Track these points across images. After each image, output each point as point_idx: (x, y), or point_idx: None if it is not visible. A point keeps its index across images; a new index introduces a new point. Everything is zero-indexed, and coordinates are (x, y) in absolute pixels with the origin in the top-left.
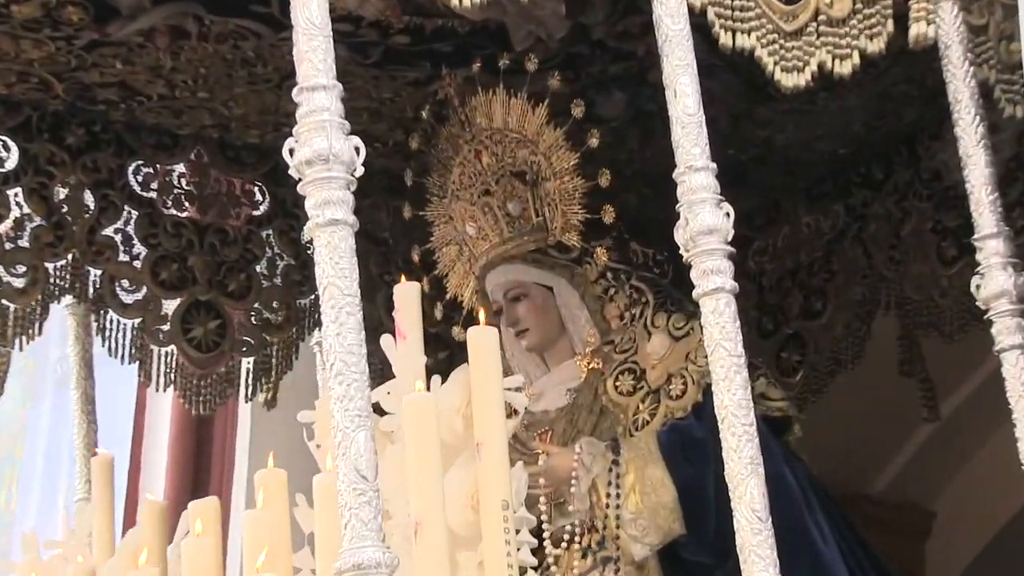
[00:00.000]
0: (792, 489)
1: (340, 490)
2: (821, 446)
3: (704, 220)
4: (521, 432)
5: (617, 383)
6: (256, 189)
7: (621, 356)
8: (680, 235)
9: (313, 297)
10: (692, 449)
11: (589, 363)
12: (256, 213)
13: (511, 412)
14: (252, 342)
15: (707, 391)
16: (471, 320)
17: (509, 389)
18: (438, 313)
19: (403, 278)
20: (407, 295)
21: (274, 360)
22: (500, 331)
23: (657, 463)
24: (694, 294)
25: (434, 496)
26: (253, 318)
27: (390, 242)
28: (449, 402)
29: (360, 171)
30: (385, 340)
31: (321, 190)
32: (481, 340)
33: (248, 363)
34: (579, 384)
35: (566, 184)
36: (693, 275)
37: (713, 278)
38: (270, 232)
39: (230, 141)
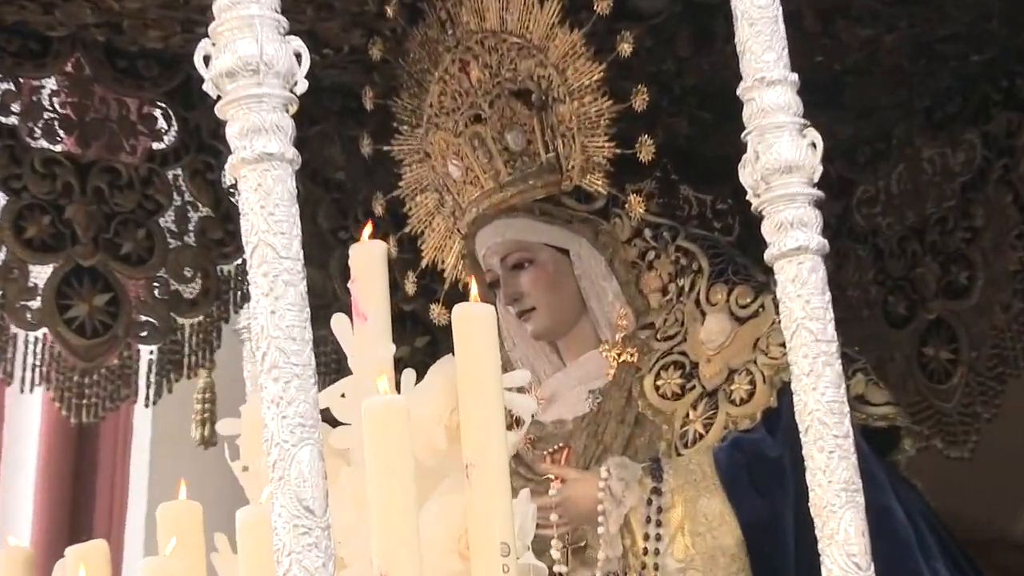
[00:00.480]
0: (902, 528)
1: (276, 529)
2: (946, 474)
3: (780, 153)
4: (526, 451)
5: (659, 382)
6: (158, 113)
7: (664, 345)
8: (747, 174)
9: (240, 262)
10: (763, 473)
11: (620, 355)
12: (159, 146)
13: (513, 422)
14: (156, 324)
15: (783, 392)
16: (456, 296)
17: (510, 389)
18: (410, 286)
19: (363, 235)
20: (368, 260)
21: (187, 349)
22: (496, 311)
23: (714, 493)
24: (767, 256)
25: (405, 537)
26: (157, 291)
27: (346, 187)
28: (427, 408)
29: (303, 87)
30: (338, 321)
31: (249, 113)
32: (471, 322)
33: (150, 353)
34: (606, 384)
35: (587, 107)
36: (765, 230)
37: (793, 233)
38: (178, 172)
39: (121, 46)
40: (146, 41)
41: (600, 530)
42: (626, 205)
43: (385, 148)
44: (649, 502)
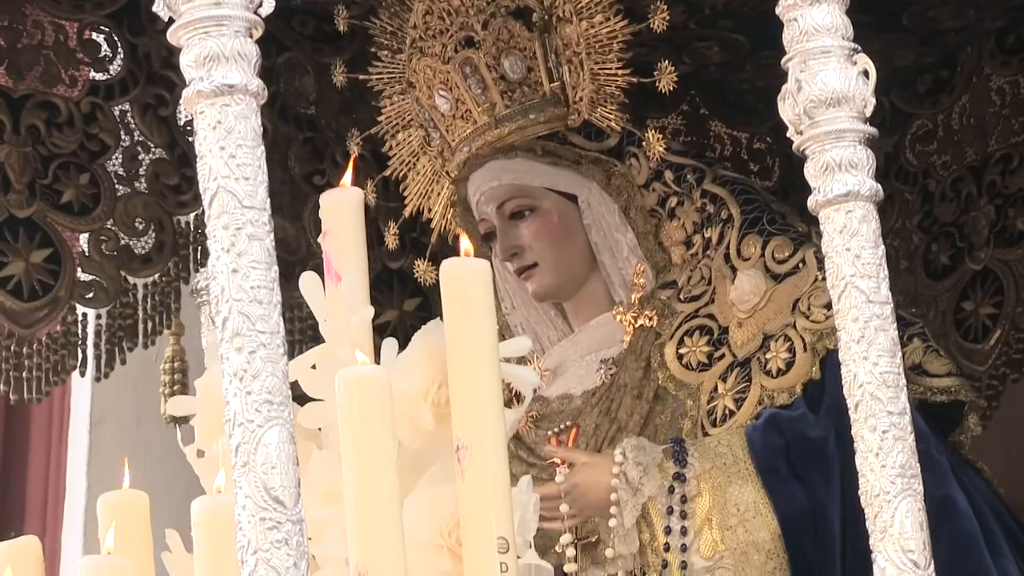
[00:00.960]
0: (966, 520)
1: (240, 523)
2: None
3: (827, 82)
4: (527, 431)
5: (682, 350)
6: (101, 38)
7: (689, 307)
8: (788, 108)
9: (200, 212)
10: (804, 456)
11: (636, 318)
12: (102, 78)
13: (513, 398)
14: (104, 284)
15: (828, 362)
16: (446, 250)
17: (509, 360)
18: (391, 239)
19: (344, 180)
20: (342, 209)
21: (141, 313)
22: (492, 267)
23: (747, 479)
24: (810, 203)
25: (386, 532)
26: (104, 246)
27: (321, 125)
28: (411, 382)
29: (268, 7)
30: (307, 280)
31: (206, 38)
32: (461, 280)
33: (98, 319)
34: (620, 352)
35: (597, 28)
36: (809, 172)
37: (841, 176)
38: (126, 108)
39: None
40: None
41: (613, 522)
42: (643, 143)
43: (362, 77)
44: (671, 490)
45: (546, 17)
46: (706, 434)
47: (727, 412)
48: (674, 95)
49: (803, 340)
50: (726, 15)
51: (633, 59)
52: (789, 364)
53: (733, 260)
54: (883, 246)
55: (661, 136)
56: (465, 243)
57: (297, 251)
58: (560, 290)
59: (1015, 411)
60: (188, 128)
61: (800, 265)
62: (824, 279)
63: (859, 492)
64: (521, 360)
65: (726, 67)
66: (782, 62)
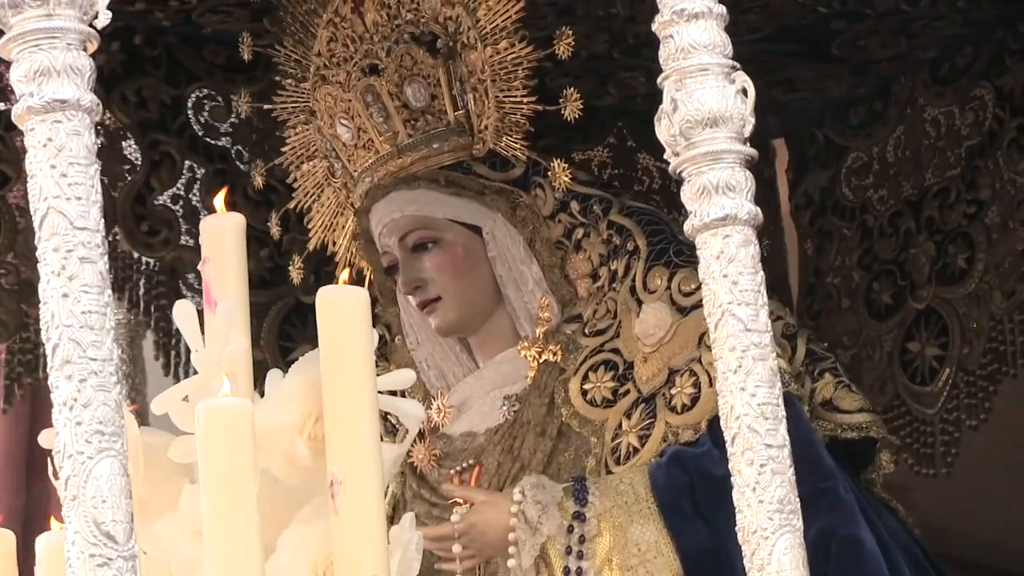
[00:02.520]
0: (871, 559)
1: (70, 560)
2: (948, 494)
3: (703, 102)
4: (431, 470)
5: (587, 386)
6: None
7: (594, 341)
8: (663, 128)
9: (111, 240)
10: (707, 494)
11: (540, 353)
12: (2, 107)
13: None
14: (3, 320)
15: None
16: (321, 276)
17: (387, 393)
18: (295, 272)
19: (220, 206)
20: (224, 235)
21: (43, 348)
22: (399, 301)
23: (649, 518)
24: (686, 227)
25: (246, 567)
26: (4, 280)
27: (231, 155)
28: (286, 415)
29: (104, 19)
30: (181, 309)
31: (36, 51)
32: (338, 308)
33: None
34: (524, 388)
35: (502, 55)
36: (685, 195)
37: (718, 200)
38: None
39: None
40: None
41: (511, 563)
42: (549, 173)
43: (267, 107)
44: (570, 530)
45: (451, 43)
46: (610, 472)
47: (631, 449)
48: (601, 127)
49: (708, 375)
50: (648, 44)
51: (556, 90)
52: (694, 400)
53: (639, 293)
54: (761, 272)
55: (567, 166)
56: (346, 276)
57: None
58: (464, 325)
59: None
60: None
61: None
62: None
63: (736, 529)
64: (425, 397)
65: (653, 97)
66: (658, 81)
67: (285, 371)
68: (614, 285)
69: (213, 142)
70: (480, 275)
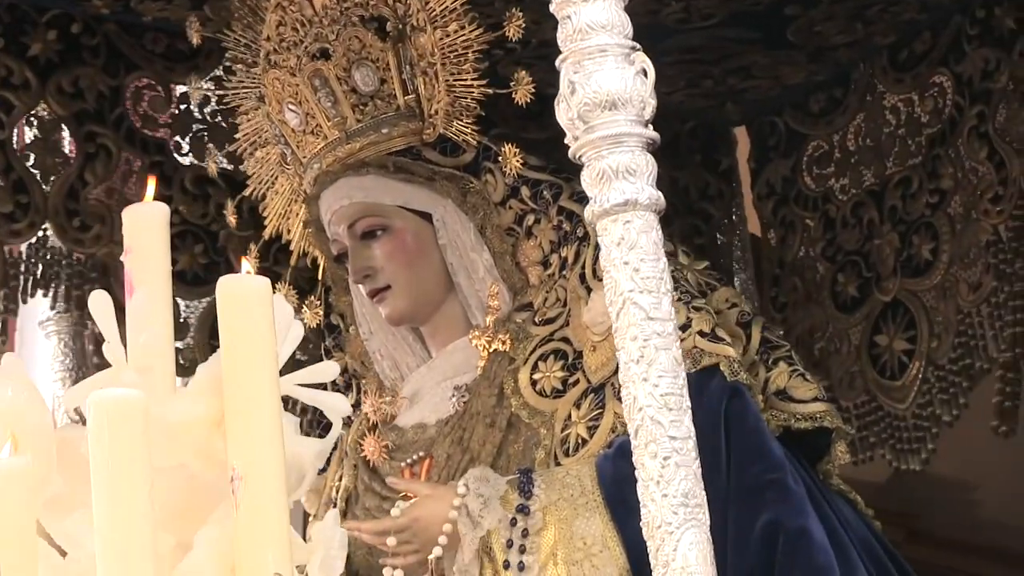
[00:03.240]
0: (820, 553)
1: None
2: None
3: (601, 84)
4: (382, 463)
5: (536, 376)
6: None
7: (544, 330)
8: (562, 112)
9: (34, 241)
10: None
11: (490, 342)
12: None
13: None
14: None
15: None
16: (308, 274)
17: (305, 386)
18: (250, 263)
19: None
20: (146, 225)
21: None
22: (352, 290)
23: (595, 511)
24: (586, 214)
25: (136, 564)
26: None
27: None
28: (200, 408)
29: None
30: (96, 299)
31: None
32: (237, 298)
33: None
34: (474, 379)
35: (452, 38)
36: (585, 180)
37: (618, 185)
38: None
39: None
40: None
41: (437, 551)
42: (500, 158)
43: (219, 93)
44: (513, 523)
45: (400, 26)
46: (558, 464)
47: (580, 441)
48: (554, 114)
49: None
50: None
51: (508, 77)
52: None
53: (589, 280)
54: (664, 259)
55: (518, 150)
56: (246, 264)
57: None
58: (415, 313)
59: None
60: (25, 153)
61: None
62: (680, 298)
63: (641, 524)
64: (379, 387)
65: None
66: (556, 63)
67: None
68: (564, 272)
69: (151, 134)
70: (430, 263)
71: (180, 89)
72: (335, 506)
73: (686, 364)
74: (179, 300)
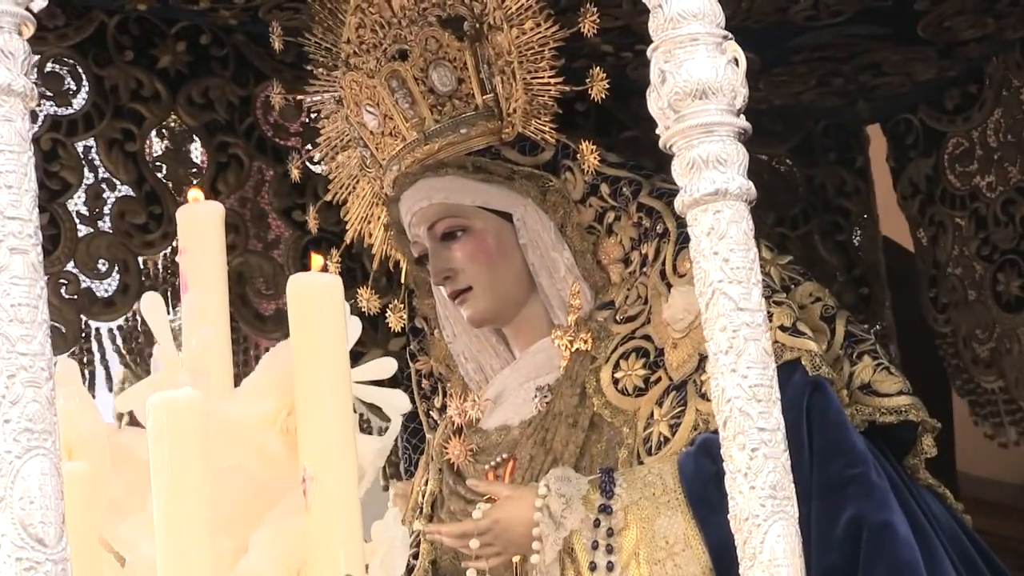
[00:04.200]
0: (904, 549)
1: None
2: None
3: (692, 73)
4: (467, 465)
5: (618, 375)
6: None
7: (625, 328)
8: (652, 101)
9: (168, 251)
10: None
11: (573, 342)
12: (65, 112)
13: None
14: (62, 330)
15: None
16: (389, 279)
17: (365, 383)
18: (333, 267)
19: (196, 196)
20: (201, 225)
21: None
22: (435, 293)
23: (677, 510)
24: (677, 204)
25: (195, 565)
26: (64, 289)
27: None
28: (258, 407)
29: (42, 2)
30: (149, 302)
31: None
32: (309, 296)
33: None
34: (557, 379)
35: (528, 35)
36: (675, 170)
37: (708, 174)
38: (91, 144)
39: None
40: None
41: (534, 559)
42: (578, 156)
43: (299, 97)
44: (597, 523)
45: (477, 25)
46: (641, 463)
47: (662, 439)
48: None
49: None
50: (730, 30)
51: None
52: None
53: (669, 277)
54: (755, 249)
55: (595, 148)
56: (318, 259)
57: (273, 290)
58: (497, 315)
59: None
60: (157, 164)
61: None
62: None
63: (729, 516)
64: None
65: None
66: (648, 52)
67: None
68: (644, 269)
69: (282, 143)
70: (511, 263)
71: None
72: (422, 511)
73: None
74: None
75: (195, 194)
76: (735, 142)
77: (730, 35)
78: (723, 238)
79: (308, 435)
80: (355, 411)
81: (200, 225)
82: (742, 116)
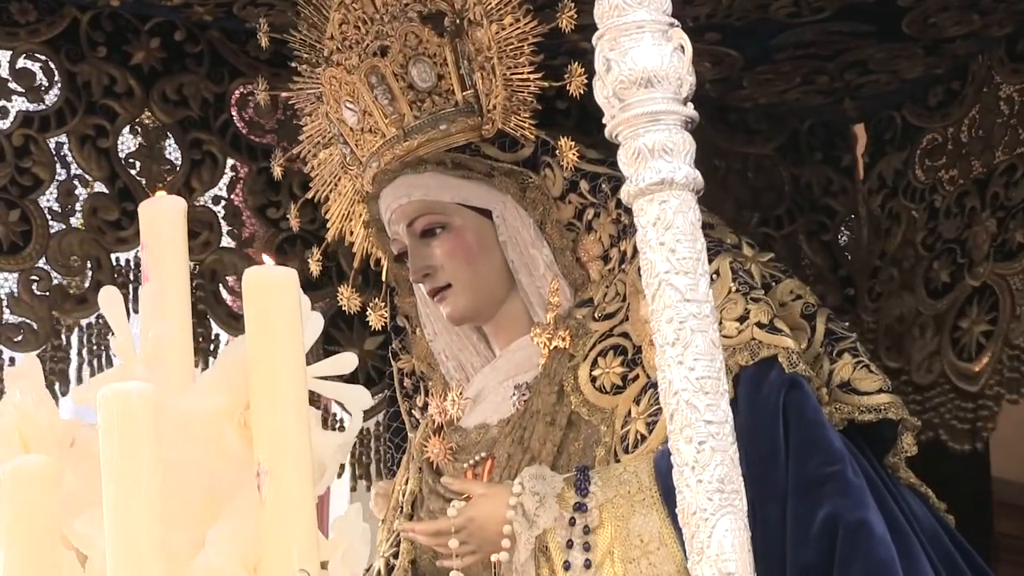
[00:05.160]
0: (880, 547)
1: None
2: None
3: (637, 61)
4: (446, 464)
5: (596, 372)
6: (37, 67)
7: (603, 326)
8: (599, 89)
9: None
10: None
11: (551, 339)
12: (37, 108)
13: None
14: (34, 327)
15: (741, 379)
16: (368, 275)
17: (324, 378)
18: (314, 265)
19: (157, 189)
20: (162, 220)
21: (75, 358)
22: (415, 291)
23: (652, 508)
24: (623, 194)
25: (145, 557)
26: (35, 286)
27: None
28: (215, 402)
29: None
30: (106, 295)
31: None
32: (263, 290)
33: None
34: (535, 377)
35: (507, 31)
36: (621, 160)
37: (654, 164)
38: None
39: None
40: None
41: (504, 556)
42: (557, 152)
43: (284, 94)
44: (572, 521)
45: (457, 21)
46: (618, 461)
47: (639, 437)
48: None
49: None
50: (711, 28)
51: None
52: None
53: None
54: (702, 239)
55: (575, 144)
56: (268, 258)
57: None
58: (477, 312)
59: None
60: (130, 160)
61: (714, 276)
62: (738, 289)
63: (676, 510)
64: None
65: (722, 84)
66: (592, 40)
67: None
68: (623, 266)
69: (258, 140)
70: (491, 260)
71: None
72: (402, 510)
73: (744, 356)
74: None
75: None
76: (682, 131)
77: (676, 22)
78: (669, 228)
79: (262, 429)
80: (321, 406)
81: (161, 220)
82: (690, 104)
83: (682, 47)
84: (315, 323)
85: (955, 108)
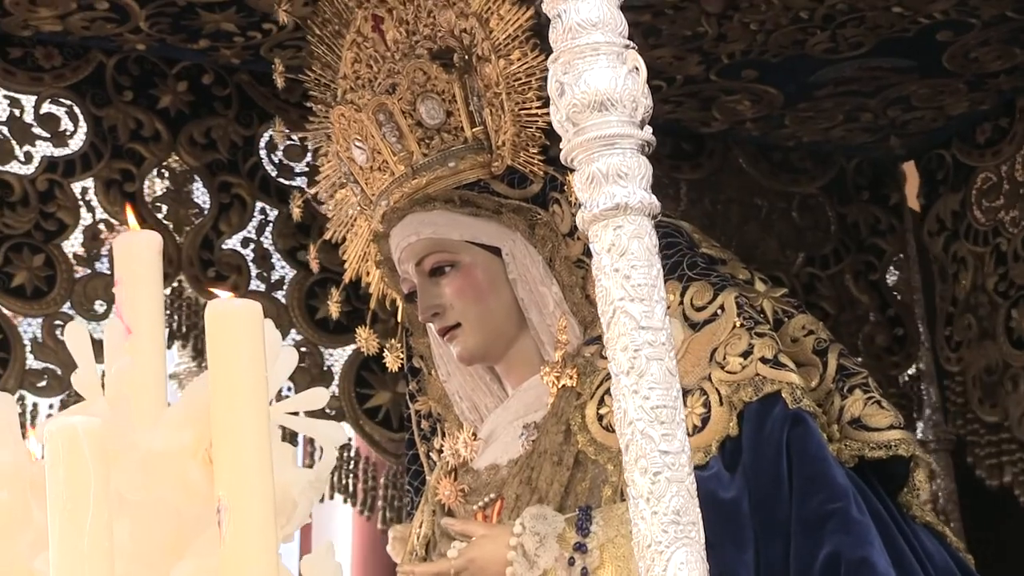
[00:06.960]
0: None
1: None
2: None
3: (591, 83)
4: (458, 506)
5: (603, 411)
6: (62, 111)
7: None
8: (553, 114)
9: (169, 292)
10: (713, 519)
11: (559, 377)
12: (62, 152)
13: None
14: (57, 372)
15: (746, 415)
16: (390, 315)
17: (293, 414)
18: (334, 307)
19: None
20: (137, 255)
21: None
22: (425, 330)
23: None
24: (578, 220)
25: None
26: (59, 331)
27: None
28: (178, 437)
29: None
30: (72, 331)
31: None
32: (225, 322)
33: (50, 408)
34: (544, 416)
35: (515, 67)
36: (576, 185)
37: (608, 189)
38: (88, 184)
39: (10, 30)
40: (39, 22)
41: None
42: (565, 188)
43: (299, 135)
44: (571, 561)
45: (466, 57)
46: (624, 500)
47: None
48: (712, 153)
49: (719, 393)
50: (747, 64)
51: (660, 116)
52: (705, 420)
53: None
54: (658, 265)
55: None
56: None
57: (280, 327)
58: (487, 351)
59: None
60: (158, 204)
61: (719, 312)
62: (743, 324)
63: (633, 542)
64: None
65: (763, 122)
66: (548, 63)
67: (361, 419)
68: None
69: (287, 183)
70: (501, 298)
71: (300, 135)
72: (417, 554)
73: (748, 392)
74: (321, 348)
75: (132, 222)
76: (637, 155)
77: (632, 44)
78: (624, 254)
79: (223, 464)
80: (297, 441)
81: (135, 256)
82: (647, 128)
83: (636, 68)
84: (289, 359)
85: (1005, 146)
